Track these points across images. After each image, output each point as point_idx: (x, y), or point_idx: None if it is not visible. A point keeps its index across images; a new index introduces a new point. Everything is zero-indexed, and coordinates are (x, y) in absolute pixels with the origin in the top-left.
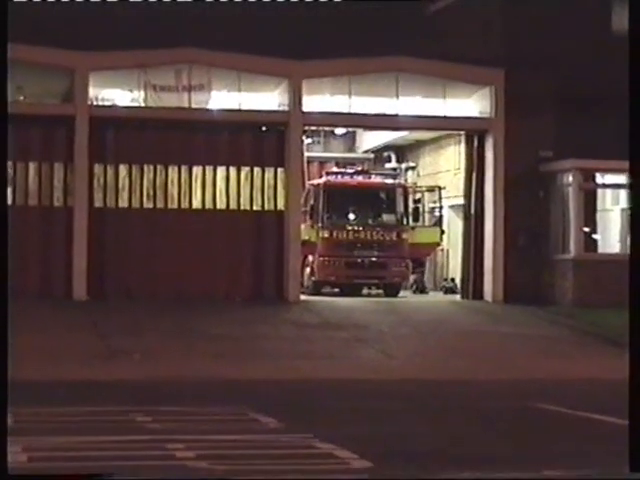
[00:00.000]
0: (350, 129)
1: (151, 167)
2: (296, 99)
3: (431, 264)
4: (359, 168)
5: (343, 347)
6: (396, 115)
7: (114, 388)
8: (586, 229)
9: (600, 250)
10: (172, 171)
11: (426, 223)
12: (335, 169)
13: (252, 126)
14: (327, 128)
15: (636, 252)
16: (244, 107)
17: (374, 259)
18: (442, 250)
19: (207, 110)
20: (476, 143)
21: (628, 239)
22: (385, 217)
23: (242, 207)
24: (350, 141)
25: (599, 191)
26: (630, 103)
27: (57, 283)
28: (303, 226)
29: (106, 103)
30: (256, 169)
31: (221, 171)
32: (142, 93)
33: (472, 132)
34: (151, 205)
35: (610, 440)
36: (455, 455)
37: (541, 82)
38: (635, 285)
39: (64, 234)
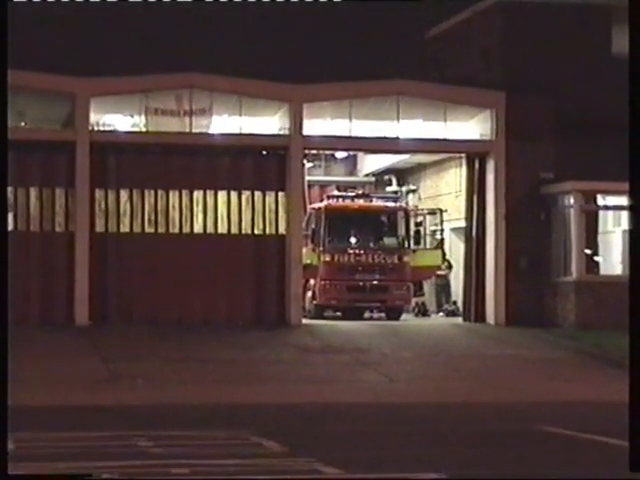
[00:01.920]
0: (351, 153)
1: (152, 192)
2: (297, 123)
3: (431, 287)
4: (360, 192)
5: (345, 371)
6: (397, 138)
7: (117, 413)
8: (588, 251)
9: (602, 272)
10: (173, 196)
11: (427, 246)
12: (336, 193)
13: (253, 150)
14: (328, 152)
15: (636, 268)
16: (245, 131)
17: (376, 282)
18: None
19: (208, 134)
20: (477, 166)
21: None
22: (386, 240)
23: (243, 231)
24: (351, 165)
25: (600, 213)
26: (630, 123)
27: (59, 308)
28: (304, 250)
29: (107, 128)
30: (257, 193)
31: (222, 195)
32: (143, 118)
33: (473, 155)
34: (152, 230)
35: (615, 462)
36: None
37: (542, 104)
38: (635, 286)
39: (66, 259)
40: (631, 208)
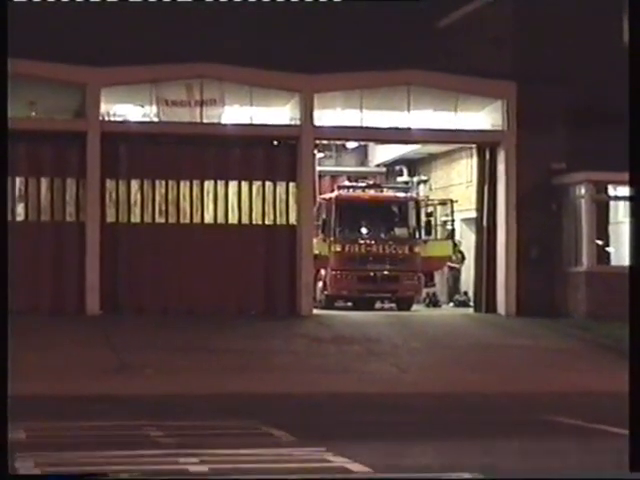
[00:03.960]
0: (362, 143)
1: (163, 182)
2: (307, 113)
3: (443, 277)
4: (371, 182)
5: (356, 361)
6: (408, 128)
7: (127, 403)
8: (599, 242)
9: (613, 262)
10: (184, 186)
11: (438, 236)
12: (347, 183)
13: (264, 140)
14: (339, 142)
15: (637, 260)
16: (256, 121)
17: (387, 273)
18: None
19: (219, 125)
20: (488, 156)
21: None
22: (397, 231)
23: (254, 222)
24: (362, 155)
25: (612, 203)
26: (630, 114)
27: (70, 298)
28: (315, 240)
29: (118, 118)
30: (268, 183)
31: (233, 186)
32: (154, 108)
33: (484, 145)
34: (163, 220)
35: (622, 453)
36: (473, 467)
37: (553, 95)
38: (635, 283)
39: (76, 249)
40: (631, 199)
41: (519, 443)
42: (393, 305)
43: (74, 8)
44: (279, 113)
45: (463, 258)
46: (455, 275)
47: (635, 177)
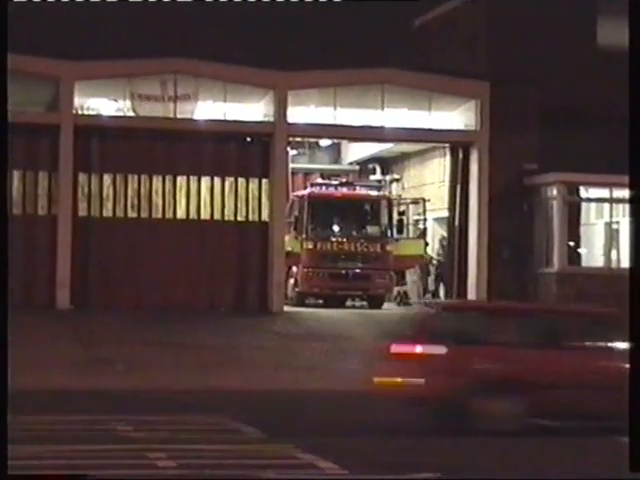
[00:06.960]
0: (335, 141)
1: (135, 177)
2: (281, 110)
3: (413, 275)
4: (344, 180)
5: (326, 358)
6: (381, 127)
7: (97, 397)
8: (570, 243)
9: (584, 264)
10: (156, 181)
11: (410, 235)
12: (320, 180)
13: (237, 137)
14: (312, 139)
15: (637, 263)
16: (229, 117)
17: (358, 271)
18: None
19: (192, 120)
20: (461, 156)
21: (612, 253)
22: (369, 229)
23: (226, 218)
24: (335, 153)
25: (583, 205)
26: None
27: (40, 292)
28: (287, 237)
29: (91, 112)
30: (240, 180)
31: (205, 181)
32: (127, 103)
33: (457, 145)
34: (135, 215)
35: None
36: (439, 465)
37: (526, 95)
38: (636, 284)
39: (48, 243)
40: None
41: (481, 443)
42: (364, 303)
43: (50, 1)
44: (253, 109)
45: (430, 259)
46: (425, 273)
47: (635, 179)
